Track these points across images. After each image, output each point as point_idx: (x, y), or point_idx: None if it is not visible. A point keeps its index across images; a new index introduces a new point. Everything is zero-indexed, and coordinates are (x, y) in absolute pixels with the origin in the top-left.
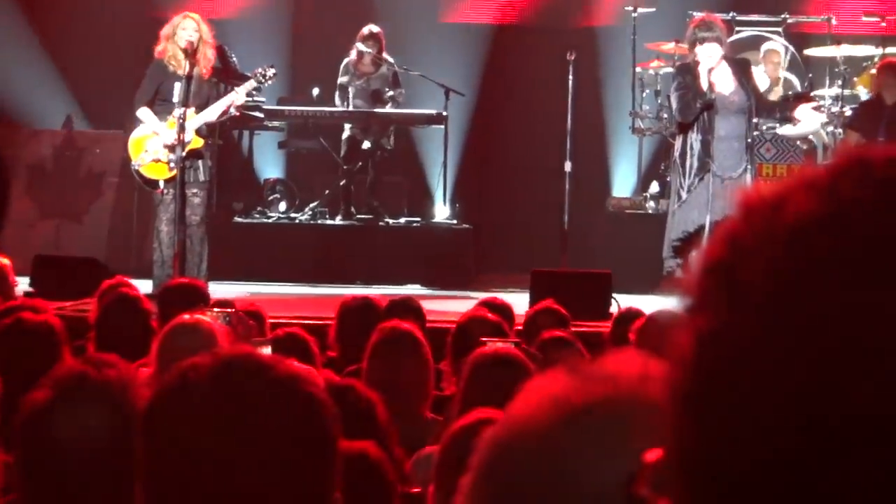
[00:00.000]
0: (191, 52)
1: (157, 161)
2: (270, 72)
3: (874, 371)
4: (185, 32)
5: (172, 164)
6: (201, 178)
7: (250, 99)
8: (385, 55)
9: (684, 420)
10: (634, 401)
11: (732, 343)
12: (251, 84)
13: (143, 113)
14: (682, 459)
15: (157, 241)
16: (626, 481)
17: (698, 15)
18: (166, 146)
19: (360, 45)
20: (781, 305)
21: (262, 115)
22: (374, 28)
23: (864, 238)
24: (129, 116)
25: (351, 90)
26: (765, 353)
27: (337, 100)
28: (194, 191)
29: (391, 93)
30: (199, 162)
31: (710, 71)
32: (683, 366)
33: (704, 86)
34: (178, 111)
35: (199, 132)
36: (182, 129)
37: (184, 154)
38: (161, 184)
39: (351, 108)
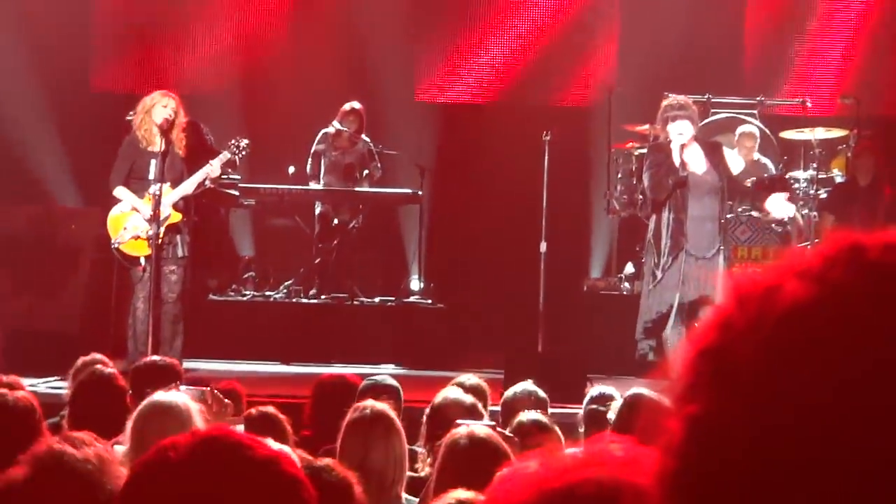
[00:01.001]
0: (165, 129)
1: (137, 238)
2: (243, 142)
3: (870, 461)
4: (164, 110)
5: (151, 241)
6: (180, 253)
7: (226, 176)
8: (363, 135)
9: None
10: (616, 485)
11: (724, 429)
12: (225, 155)
13: (120, 192)
14: None
15: (132, 318)
16: None
17: (672, 95)
18: (147, 221)
19: (337, 124)
20: (774, 392)
21: (237, 193)
22: (356, 105)
23: (858, 324)
24: (107, 194)
25: (324, 161)
26: (757, 440)
27: (308, 167)
28: (172, 268)
29: (367, 170)
30: (178, 237)
31: (682, 148)
32: (674, 451)
33: (677, 162)
34: (153, 187)
35: (176, 207)
36: (158, 204)
37: (161, 230)
38: (142, 260)
39: (322, 183)
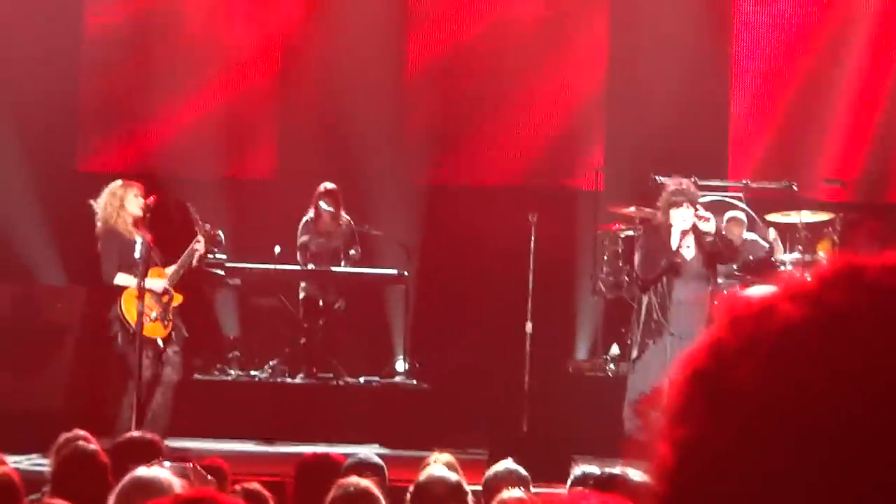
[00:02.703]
0: (144, 217)
1: (155, 320)
2: (206, 228)
3: (869, 484)
4: (136, 200)
5: (166, 322)
6: (184, 333)
7: (211, 256)
8: (343, 213)
9: None
10: None
11: (718, 453)
12: (200, 239)
13: (123, 279)
14: None
15: (127, 397)
16: None
17: (668, 179)
18: (158, 301)
19: (320, 204)
20: (768, 415)
21: (222, 273)
22: (329, 185)
23: (854, 347)
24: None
25: (312, 248)
26: (752, 463)
27: (299, 259)
28: (176, 349)
29: (350, 251)
30: (179, 319)
31: (683, 234)
32: (666, 477)
33: (674, 247)
34: (134, 276)
35: (176, 288)
36: (142, 290)
37: (170, 314)
38: (160, 342)
39: (311, 267)
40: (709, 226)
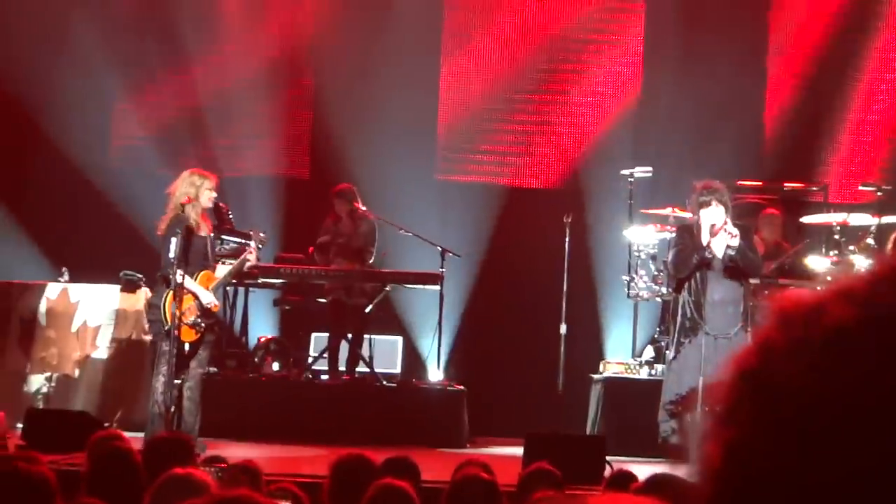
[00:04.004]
0: (210, 212)
1: (189, 325)
2: (262, 235)
3: None
4: (209, 193)
5: (199, 329)
6: (210, 337)
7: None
8: (363, 209)
9: None
10: None
11: (763, 454)
12: (254, 245)
13: (181, 277)
14: None
15: (154, 395)
16: None
17: (699, 181)
18: (199, 307)
19: (336, 204)
20: (814, 416)
21: (257, 272)
22: (342, 186)
23: None
24: (153, 278)
25: (333, 248)
26: (797, 465)
27: (316, 258)
28: (204, 345)
29: (367, 251)
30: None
31: (713, 231)
32: (712, 476)
33: (704, 243)
34: (177, 271)
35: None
36: (180, 287)
37: (210, 316)
38: (187, 346)
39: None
40: (734, 241)
